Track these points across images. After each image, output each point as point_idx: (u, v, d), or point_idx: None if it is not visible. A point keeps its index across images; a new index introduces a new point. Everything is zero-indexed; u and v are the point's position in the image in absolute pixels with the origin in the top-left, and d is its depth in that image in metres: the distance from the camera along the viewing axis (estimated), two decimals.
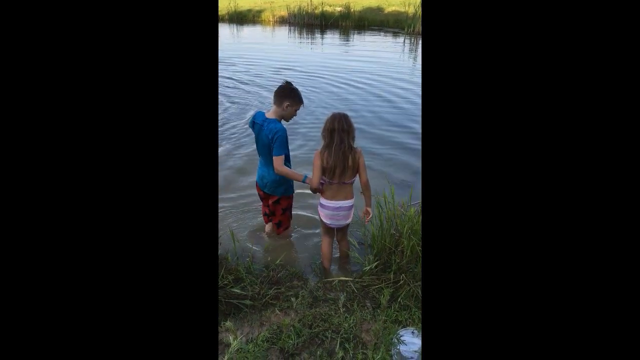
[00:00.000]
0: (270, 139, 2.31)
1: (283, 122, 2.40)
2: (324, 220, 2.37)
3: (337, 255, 2.63)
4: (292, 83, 2.39)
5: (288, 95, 2.32)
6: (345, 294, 2.12)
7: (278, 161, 2.31)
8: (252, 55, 9.79)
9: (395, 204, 2.41)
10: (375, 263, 2.27)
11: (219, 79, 7.41)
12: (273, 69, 8.45)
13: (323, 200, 2.30)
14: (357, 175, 2.24)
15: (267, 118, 2.36)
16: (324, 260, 2.50)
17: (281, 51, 10.58)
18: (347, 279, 2.26)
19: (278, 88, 2.36)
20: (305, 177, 2.37)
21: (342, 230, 2.49)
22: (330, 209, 2.29)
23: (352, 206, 2.32)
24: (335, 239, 2.54)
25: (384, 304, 1.99)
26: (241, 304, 2.04)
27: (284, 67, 8.73)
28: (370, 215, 2.35)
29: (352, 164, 2.17)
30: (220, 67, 8.41)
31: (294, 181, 2.56)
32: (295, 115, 2.43)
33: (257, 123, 2.40)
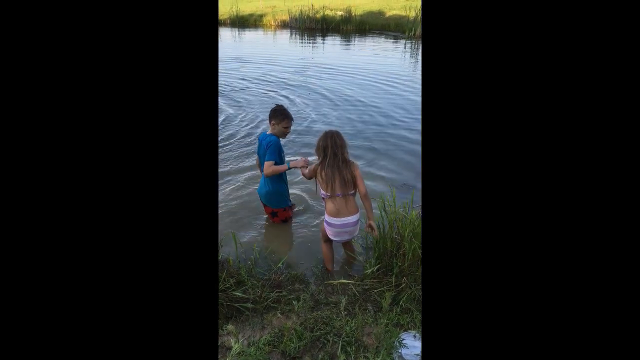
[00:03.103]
0: (265, 149, 2.65)
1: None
2: (331, 237, 2.35)
3: (340, 255, 2.64)
4: (283, 105, 2.76)
5: (272, 115, 2.68)
6: (346, 297, 2.12)
7: (266, 165, 2.63)
8: (270, 57, 10.05)
9: (396, 207, 2.42)
10: (377, 266, 2.27)
11: (252, 79, 7.76)
12: (297, 68, 8.82)
13: (328, 218, 2.28)
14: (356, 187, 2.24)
15: (266, 135, 2.72)
16: (327, 263, 2.50)
17: (295, 53, 10.82)
18: (348, 282, 2.25)
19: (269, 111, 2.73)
20: (289, 162, 2.68)
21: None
22: (337, 227, 2.27)
23: (358, 220, 2.31)
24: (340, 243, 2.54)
25: (385, 307, 1.99)
26: (243, 307, 2.04)
27: (307, 64, 9.12)
28: (376, 232, 2.24)
29: (349, 177, 2.20)
30: (248, 67, 8.83)
31: (289, 195, 2.97)
32: (287, 131, 2.73)
33: (260, 141, 2.76)
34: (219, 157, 4.16)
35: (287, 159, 2.98)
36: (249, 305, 2.05)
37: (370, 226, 2.23)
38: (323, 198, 2.30)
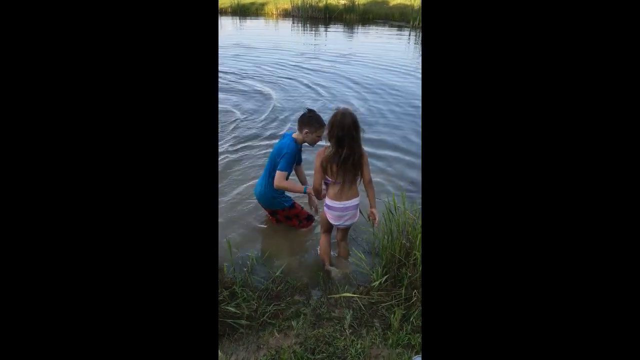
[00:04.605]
0: (277, 153, 2.38)
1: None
2: (332, 221, 2.24)
3: (335, 256, 2.49)
4: (315, 110, 2.43)
5: (307, 122, 2.36)
6: (351, 312, 1.92)
7: (279, 176, 2.33)
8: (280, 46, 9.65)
9: (406, 211, 2.19)
10: (385, 277, 2.05)
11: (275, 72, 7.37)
12: (308, 55, 8.51)
13: (329, 202, 2.18)
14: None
15: (291, 140, 2.40)
16: (323, 255, 2.38)
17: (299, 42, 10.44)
18: (352, 295, 2.04)
19: (300, 116, 2.42)
20: (306, 188, 2.44)
21: (343, 231, 2.39)
22: (337, 210, 2.17)
23: (357, 205, 2.21)
24: (335, 240, 2.47)
25: (395, 325, 1.79)
26: (236, 323, 1.84)
27: (316, 52, 8.88)
28: (377, 218, 2.18)
29: (358, 166, 2.07)
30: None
31: (292, 192, 2.62)
32: (319, 140, 2.41)
33: (280, 144, 2.43)
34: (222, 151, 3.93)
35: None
36: (243, 322, 1.84)
37: (372, 213, 2.18)
38: (326, 184, 2.17)
